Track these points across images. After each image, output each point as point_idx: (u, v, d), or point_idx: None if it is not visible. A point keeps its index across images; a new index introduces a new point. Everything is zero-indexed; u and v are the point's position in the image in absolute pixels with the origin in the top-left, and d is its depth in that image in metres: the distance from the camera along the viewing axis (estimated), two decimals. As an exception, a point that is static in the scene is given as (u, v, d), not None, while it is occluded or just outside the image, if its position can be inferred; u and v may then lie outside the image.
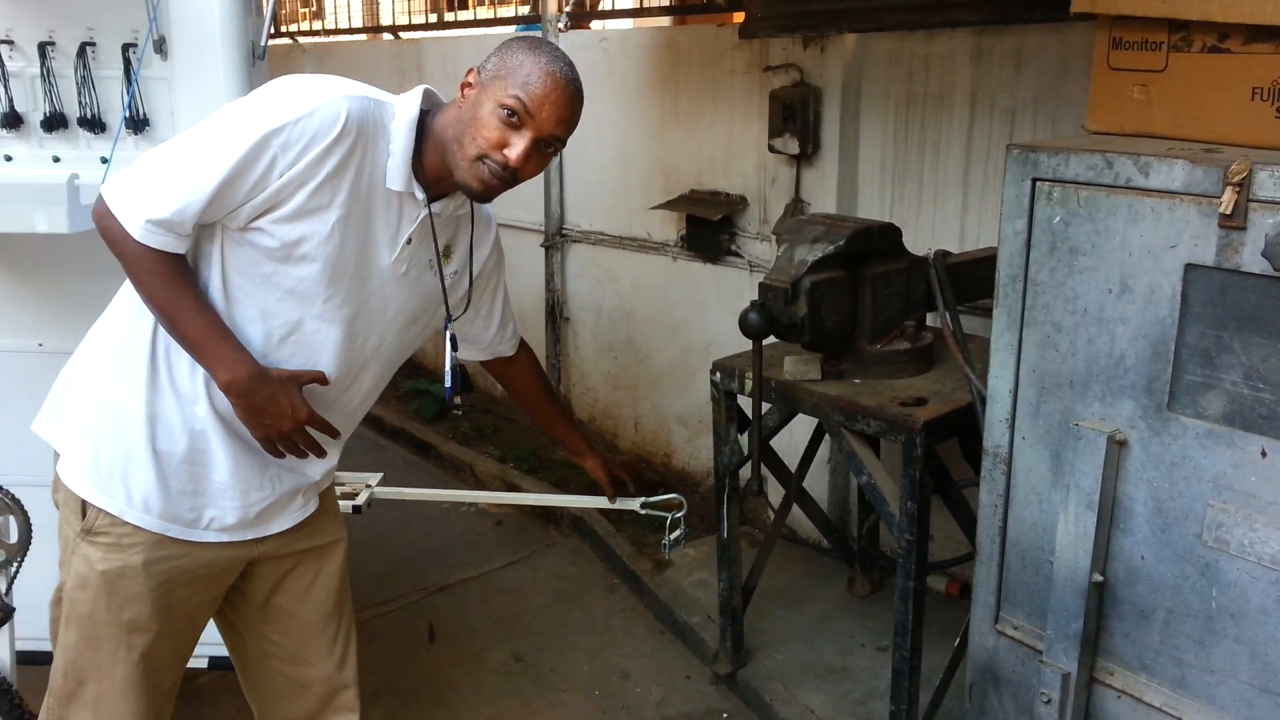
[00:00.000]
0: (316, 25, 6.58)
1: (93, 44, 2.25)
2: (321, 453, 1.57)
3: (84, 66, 2.25)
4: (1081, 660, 1.66)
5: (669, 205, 3.70)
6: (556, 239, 4.31)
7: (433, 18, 5.75)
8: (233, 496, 1.57)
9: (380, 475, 2.85)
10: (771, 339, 2.31)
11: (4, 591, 2.03)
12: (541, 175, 4.19)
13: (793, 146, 3.16)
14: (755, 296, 2.31)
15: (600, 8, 4.78)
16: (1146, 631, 1.61)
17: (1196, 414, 1.48)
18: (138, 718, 1.60)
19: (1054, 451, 1.67)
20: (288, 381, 1.48)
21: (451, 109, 1.51)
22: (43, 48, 2.24)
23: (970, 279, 2.35)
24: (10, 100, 2.27)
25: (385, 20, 6.04)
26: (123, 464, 1.51)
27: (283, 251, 1.44)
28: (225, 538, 1.59)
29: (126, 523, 1.52)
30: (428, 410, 4.79)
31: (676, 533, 2.44)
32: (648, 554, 3.41)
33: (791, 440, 3.05)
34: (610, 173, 4.04)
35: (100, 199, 1.41)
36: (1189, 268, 1.43)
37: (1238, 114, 1.49)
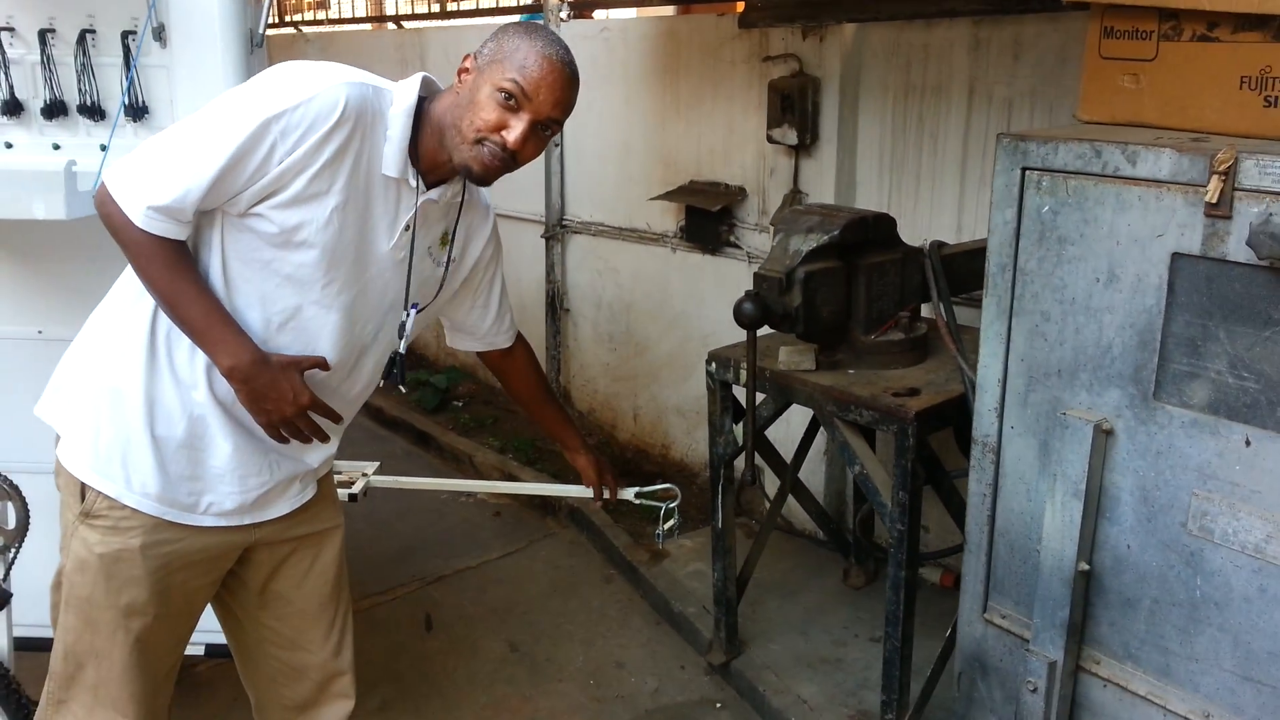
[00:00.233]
0: (320, 15, 6.58)
1: (92, 31, 2.27)
2: (325, 437, 1.58)
3: (84, 54, 2.27)
4: (1068, 649, 1.66)
5: (668, 196, 3.70)
6: (557, 230, 4.32)
7: (435, 7, 5.75)
8: (231, 481, 1.58)
9: (377, 464, 2.87)
10: (767, 329, 2.32)
11: (2, 577, 2.05)
12: (542, 166, 4.27)
13: (791, 137, 3.16)
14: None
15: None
16: (1132, 620, 1.61)
17: (1182, 403, 1.48)
18: (136, 700, 1.61)
19: (1042, 441, 1.68)
20: (289, 367, 1.49)
21: (449, 95, 1.52)
22: (43, 35, 2.26)
23: (965, 270, 2.35)
24: (11, 87, 2.28)
25: (389, 10, 6.04)
26: (121, 448, 1.53)
27: (282, 237, 1.45)
28: (223, 522, 1.60)
29: (125, 506, 1.53)
30: (428, 401, 4.80)
31: (670, 523, 2.45)
32: (644, 545, 3.42)
33: (788, 431, 3.06)
34: (610, 163, 4.05)
35: (102, 186, 1.43)
36: (1175, 256, 1.43)
37: (1226, 103, 1.49)
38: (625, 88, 3.89)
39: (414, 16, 5.50)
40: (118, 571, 1.55)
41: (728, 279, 3.55)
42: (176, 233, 1.42)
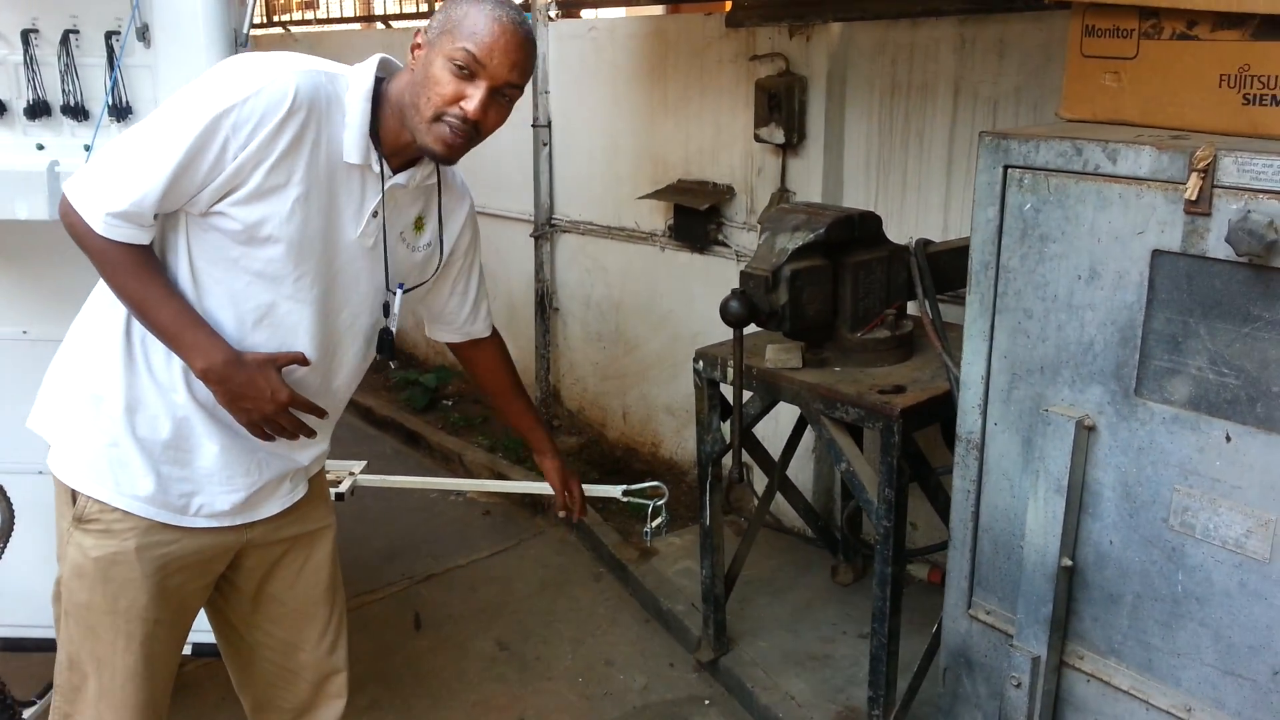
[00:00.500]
0: (309, 15, 6.56)
1: (76, 32, 2.25)
2: (310, 433, 1.57)
3: (67, 54, 2.25)
4: (1051, 644, 1.67)
5: (657, 195, 3.70)
6: (546, 229, 4.32)
7: (424, 7, 5.73)
8: (220, 482, 1.57)
9: (364, 464, 2.87)
10: (754, 328, 2.32)
11: (-13, 577, 2.05)
12: (530, 165, 4.27)
13: (778, 136, 3.16)
14: (739, 285, 2.31)
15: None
16: (1115, 615, 1.62)
17: (1163, 399, 1.49)
18: (140, 710, 1.60)
19: (1025, 437, 1.68)
20: (264, 364, 1.48)
21: (404, 74, 1.49)
22: (26, 35, 2.24)
23: (951, 267, 2.35)
24: (-7, 88, 2.27)
25: (377, 9, 6.03)
26: (108, 452, 1.52)
27: (246, 234, 1.43)
28: (215, 523, 1.59)
29: (116, 508, 1.52)
30: (418, 401, 4.80)
31: (658, 520, 2.46)
32: (633, 543, 3.42)
33: (776, 429, 3.06)
34: (599, 162, 4.05)
35: (64, 196, 1.41)
36: (1156, 253, 1.44)
37: (1206, 100, 1.50)
38: (613, 87, 3.90)
39: (403, 16, 5.48)
40: (114, 574, 1.54)
41: (716, 277, 3.56)
42: (139, 237, 1.41)
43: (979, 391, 1.74)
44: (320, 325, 1.55)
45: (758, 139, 3.24)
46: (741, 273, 2.31)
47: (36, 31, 2.25)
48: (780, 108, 3.14)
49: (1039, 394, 1.64)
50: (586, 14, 4.27)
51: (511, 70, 1.43)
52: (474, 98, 1.41)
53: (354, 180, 1.50)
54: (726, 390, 2.50)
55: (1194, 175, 1.37)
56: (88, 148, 2.30)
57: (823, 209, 2.40)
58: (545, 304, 4.42)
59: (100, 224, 1.38)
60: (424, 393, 4.82)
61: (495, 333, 1.96)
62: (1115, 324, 1.52)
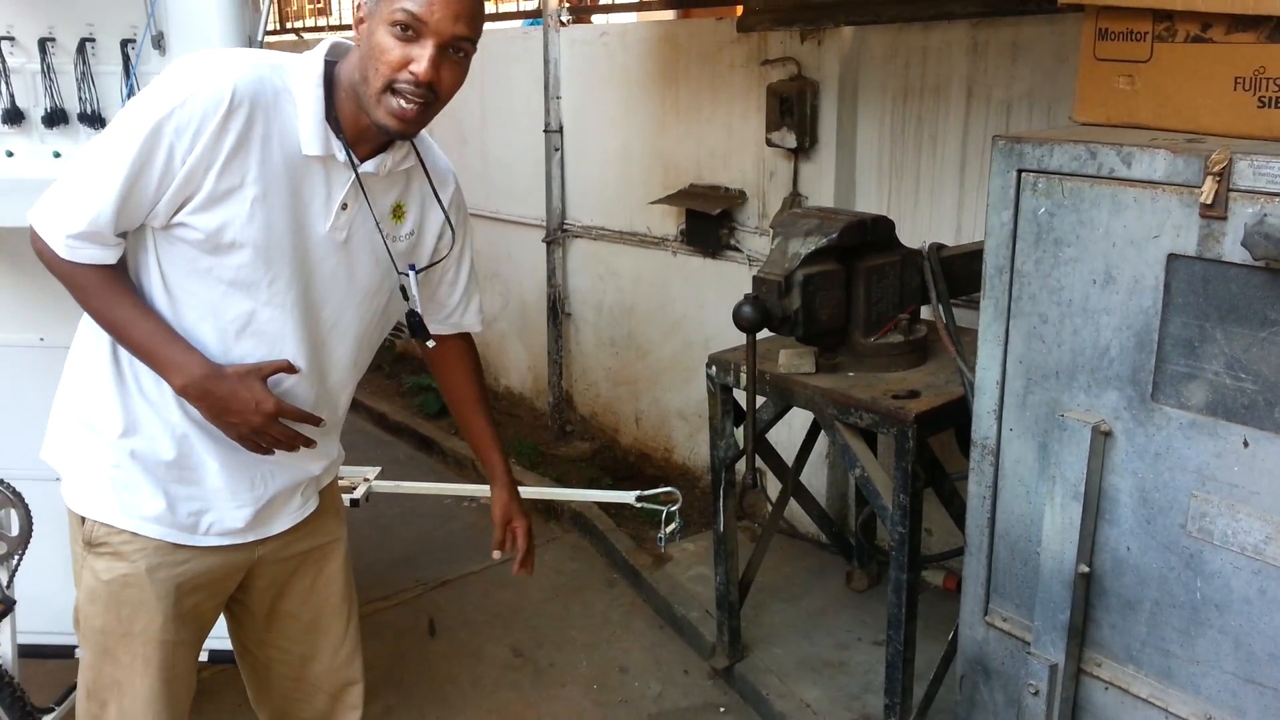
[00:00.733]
0: (322, 21, 6.60)
1: (92, 40, 2.27)
2: (308, 442, 1.53)
3: (84, 62, 2.27)
4: (1069, 651, 1.66)
5: (668, 200, 3.70)
6: (558, 234, 4.32)
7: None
8: (228, 498, 1.54)
9: (379, 469, 2.88)
10: (767, 333, 2.32)
11: (5, 584, 2.06)
12: (542, 170, 4.28)
13: (790, 140, 3.16)
14: (751, 290, 2.31)
15: (601, 2, 4.78)
16: (1133, 622, 1.61)
17: (1180, 404, 1.47)
18: None
19: (1040, 443, 1.67)
20: (247, 375, 1.43)
21: (353, 53, 1.42)
22: (43, 44, 2.27)
23: (965, 272, 2.34)
24: (11, 96, 2.29)
25: (390, 18, 6.06)
26: (112, 475, 1.50)
27: (210, 242, 1.39)
28: (227, 541, 1.57)
29: (124, 530, 1.50)
30: (430, 406, 4.81)
31: (672, 526, 2.46)
32: (647, 549, 3.42)
33: (789, 434, 3.06)
34: (611, 167, 4.05)
35: (30, 224, 1.39)
36: (1171, 257, 1.43)
37: (1220, 104, 1.49)
38: (625, 92, 3.90)
39: (415, 23, 5.51)
40: (127, 597, 1.52)
41: (728, 282, 3.55)
42: (104, 257, 1.39)
43: (994, 397, 1.73)
44: (304, 326, 1.49)
45: (769, 143, 3.24)
46: (754, 278, 2.31)
47: (53, 40, 2.27)
48: (792, 112, 3.13)
49: (1055, 399, 1.63)
50: (598, 19, 4.28)
51: (457, 22, 1.34)
52: (422, 58, 1.33)
53: (317, 173, 1.43)
54: (739, 395, 2.50)
55: (1209, 179, 1.36)
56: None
57: (835, 213, 2.40)
58: (557, 309, 4.43)
59: (63, 247, 1.36)
60: (436, 398, 4.82)
61: (470, 340, 1.85)
62: (1131, 329, 1.51)
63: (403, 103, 1.35)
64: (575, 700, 2.77)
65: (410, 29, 1.33)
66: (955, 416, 2.17)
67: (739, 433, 2.54)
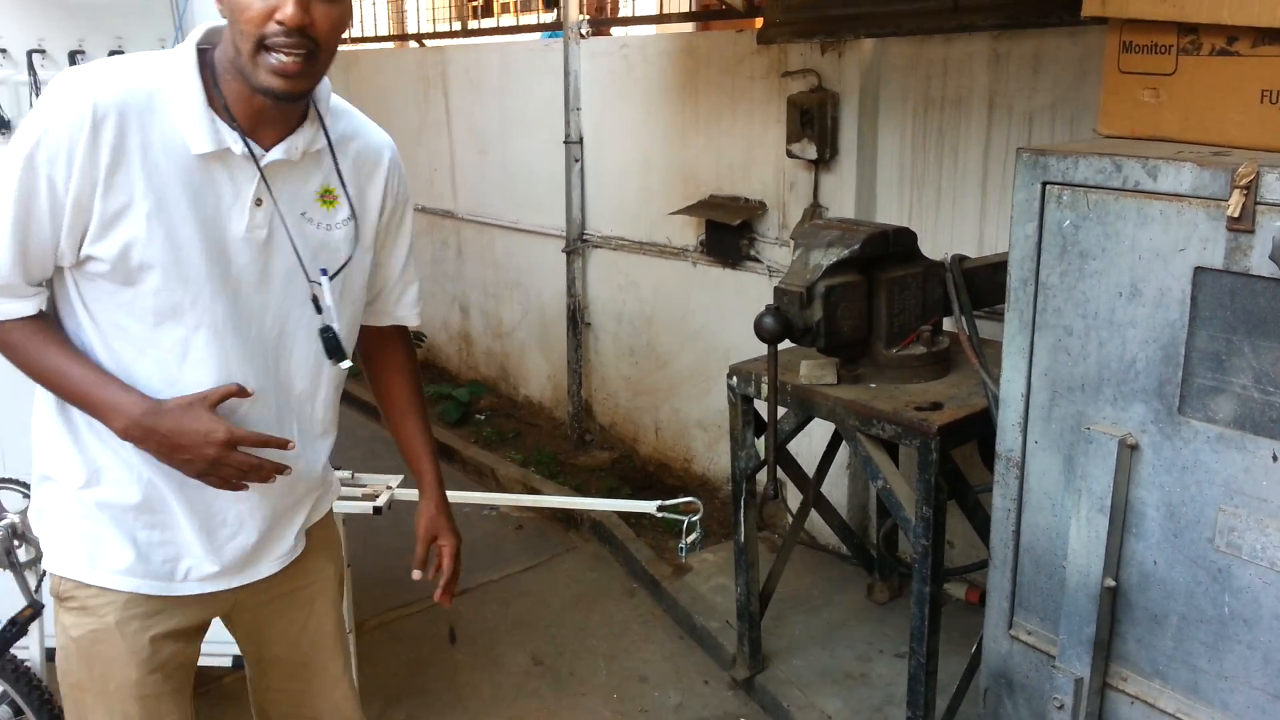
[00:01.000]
0: (345, 35, 6.66)
1: (120, 52, 2.31)
2: (279, 468, 1.37)
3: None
4: (1094, 665, 1.65)
5: (688, 210, 3.72)
6: (578, 244, 4.34)
7: (457, 26, 5.82)
8: (203, 542, 1.44)
9: (400, 477, 2.89)
10: (788, 343, 2.32)
11: (34, 589, 2.09)
12: (562, 181, 4.30)
13: (811, 151, 3.16)
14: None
15: (621, 14, 4.81)
16: (1159, 637, 1.60)
17: (1207, 418, 1.47)
18: None
19: (1066, 455, 1.67)
20: (191, 406, 1.31)
21: (225, 30, 1.29)
22: (73, 56, 2.31)
23: (987, 283, 2.34)
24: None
25: (411, 29, 6.11)
26: (80, 527, 1.42)
27: (120, 271, 1.28)
28: (207, 588, 1.46)
29: (90, 585, 1.42)
30: (450, 414, 4.83)
31: (692, 536, 2.46)
32: (667, 558, 3.42)
33: (810, 445, 3.05)
34: (631, 178, 4.07)
35: None
36: (1198, 271, 1.43)
37: (1247, 117, 1.49)
38: (645, 104, 3.92)
39: (436, 35, 5.56)
40: (98, 653, 1.43)
41: (748, 293, 3.56)
42: (20, 310, 1.32)
43: (1019, 409, 1.73)
44: (246, 343, 1.38)
45: (790, 154, 3.25)
46: (776, 289, 2.31)
47: (83, 53, 2.31)
48: (812, 123, 3.14)
49: (1080, 412, 1.63)
50: (617, 32, 4.31)
51: None
52: (285, 2, 1.20)
53: (218, 172, 1.31)
54: (760, 406, 2.50)
55: (1236, 192, 1.36)
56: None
57: (857, 225, 2.40)
58: (577, 319, 4.45)
59: None
60: (456, 407, 4.86)
61: (408, 339, 1.70)
62: (1158, 341, 1.50)
63: (281, 57, 1.22)
64: (595, 709, 2.77)
65: None
66: (978, 429, 2.17)
67: (760, 443, 2.55)
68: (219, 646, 2.03)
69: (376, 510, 2.65)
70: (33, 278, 1.31)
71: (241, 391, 1.35)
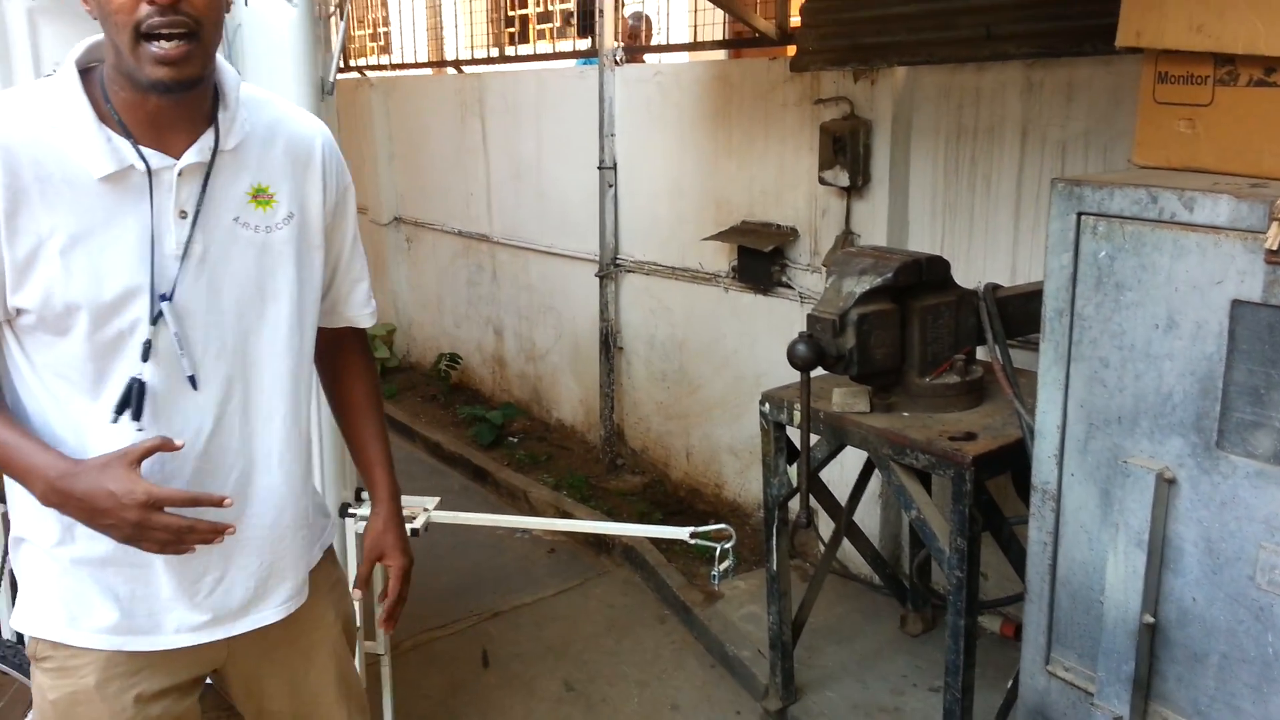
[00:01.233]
0: (384, 60, 6.80)
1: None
2: (217, 528, 1.24)
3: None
4: (1134, 704, 1.62)
5: (721, 236, 3.73)
6: (610, 269, 4.37)
7: (494, 53, 5.91)
8: (185, 590, 1.34)
9: (437, 499, 2.92)
10: (821, 371, 2.32)
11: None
12: (596, 206, 4.34)
13: (843, 179, 3.17)
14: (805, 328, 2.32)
15: (654, 42, 4.86)
16: (1200, 676, 1.57)
17: (1246, 453, 1.45)
18: None
19: (1103, 489, 1.65)
20: (108, 465, 1.19)
21: (104, 41, 1.21)
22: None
23: (1021, 313, 2.33)
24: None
25: (449, 55, 6.22)
26: (57, 585, 1.33)
27: (51, 320, 1.21)
28: (201, 638, 1.37)
29: (66, 644, 1.33)
30: (484, 436, 4.87)
31: (725, 564, 2.45)
32: (698, 585, 3.41)
33: (842, 473, 3.04)
34: (663, 204, 4.10)
35: None
36: (1235, 304, 1.41)
37: (1286, 149, 1.47)
38: (678, 130, 3.95)
39: (473, 61, 5.65)
40: (76, 715, 1.35)
41: (780, 319, 3.56)
42: None
43: (1054, 441, 1.71)
44: (205, 371, 1.28)
45: (822, 181, 3.26)
46: (809, 316, 2.31)
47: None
48: (845, 150, 3.15)
49: (1117, 445, 1.61)
50: (650, 59, 4.35)
51: None
52: None
53: (129, 192, 1.21)
54: (792, 433, 2.50)
55: (1275, 224, 1.34)
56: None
57: (890, 253, 2.40)
58: (610, 343, 4.47)
59: None
60: (490, 429, 4.89)
61: (365, 336, 1.60)
62: (1195, 375, 1.49)
63: (161, 43, 1.13)
64: (626, 737, 2.77)
65: None
66: (1012, 460, 2.15)
67: (792, 471, 2.54)
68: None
69: (414, 533, 2.67)
70: None
71: (168, 444, 1.22)
